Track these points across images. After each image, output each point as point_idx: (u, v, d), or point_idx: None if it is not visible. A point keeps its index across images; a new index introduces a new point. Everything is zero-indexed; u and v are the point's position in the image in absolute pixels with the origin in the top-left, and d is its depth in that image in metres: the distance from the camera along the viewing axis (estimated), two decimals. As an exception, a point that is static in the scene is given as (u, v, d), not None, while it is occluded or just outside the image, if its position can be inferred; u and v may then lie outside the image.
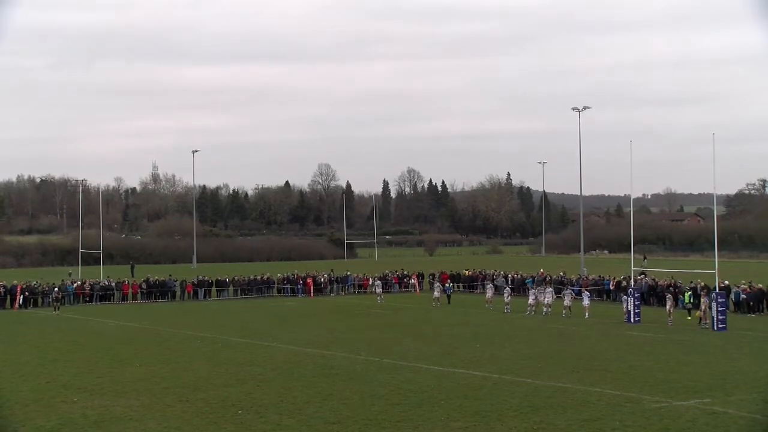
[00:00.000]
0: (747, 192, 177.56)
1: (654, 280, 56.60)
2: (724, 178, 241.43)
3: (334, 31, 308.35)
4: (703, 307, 43.21)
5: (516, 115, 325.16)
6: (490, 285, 58.05)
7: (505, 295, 53.11)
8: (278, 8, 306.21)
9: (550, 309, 49.42)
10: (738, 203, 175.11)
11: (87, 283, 63.52)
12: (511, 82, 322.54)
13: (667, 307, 44.29)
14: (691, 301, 47.85)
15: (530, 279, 64.02)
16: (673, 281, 53.84)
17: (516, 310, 50.64)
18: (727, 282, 50.20)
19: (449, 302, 57.67)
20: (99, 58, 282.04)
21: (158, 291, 64.54)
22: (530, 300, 50.75)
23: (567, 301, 48.94)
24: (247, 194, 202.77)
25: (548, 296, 50.47)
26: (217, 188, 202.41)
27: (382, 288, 63.60)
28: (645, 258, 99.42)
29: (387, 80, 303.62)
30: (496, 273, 69.04)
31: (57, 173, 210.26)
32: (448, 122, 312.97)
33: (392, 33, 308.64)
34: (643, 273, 58.89)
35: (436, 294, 57.06)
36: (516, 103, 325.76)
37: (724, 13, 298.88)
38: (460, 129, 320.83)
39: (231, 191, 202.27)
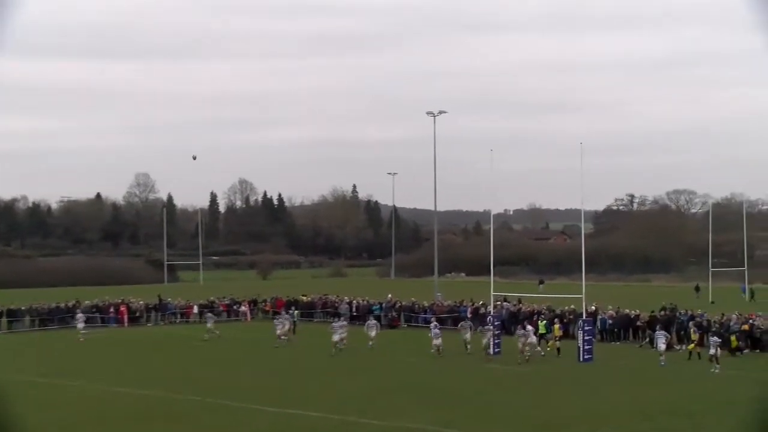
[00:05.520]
0: (615, 208, 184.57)
1: (516, 306, 57.80)
2: (591, 193, 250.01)
3: (172, 25, 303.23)
4: (553, 335, 45.00)
5: (369, 121, 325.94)
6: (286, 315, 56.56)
7: (336, 328, 48.75)
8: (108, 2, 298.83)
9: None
10: (606, 220, 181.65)
11: None
12: (369, 84, 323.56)
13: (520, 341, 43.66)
14: (547, 330, 48.74)
15: (377, 306, 64.02)
16: (533, 307, 55.28)
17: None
18: (594, 307, 51.92)
19: (294, 332, 55.44)
20: None
21: None
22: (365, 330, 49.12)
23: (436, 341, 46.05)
24: (50, 208, 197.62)
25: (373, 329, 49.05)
26: (13, 200, 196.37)
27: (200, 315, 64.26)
28: (541, 282, 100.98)
29: (231, 81, 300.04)
30: (338, 300, 68.26)
31: None
32: (287, 129, 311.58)
33: (237, 30, 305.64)
34: (504, 299, 60.01)
35: (285, 328, 53.78)
36: (370, 107, 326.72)
37: (597, 17, 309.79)
38: (300, 136, 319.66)
39: (30, 204, 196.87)
